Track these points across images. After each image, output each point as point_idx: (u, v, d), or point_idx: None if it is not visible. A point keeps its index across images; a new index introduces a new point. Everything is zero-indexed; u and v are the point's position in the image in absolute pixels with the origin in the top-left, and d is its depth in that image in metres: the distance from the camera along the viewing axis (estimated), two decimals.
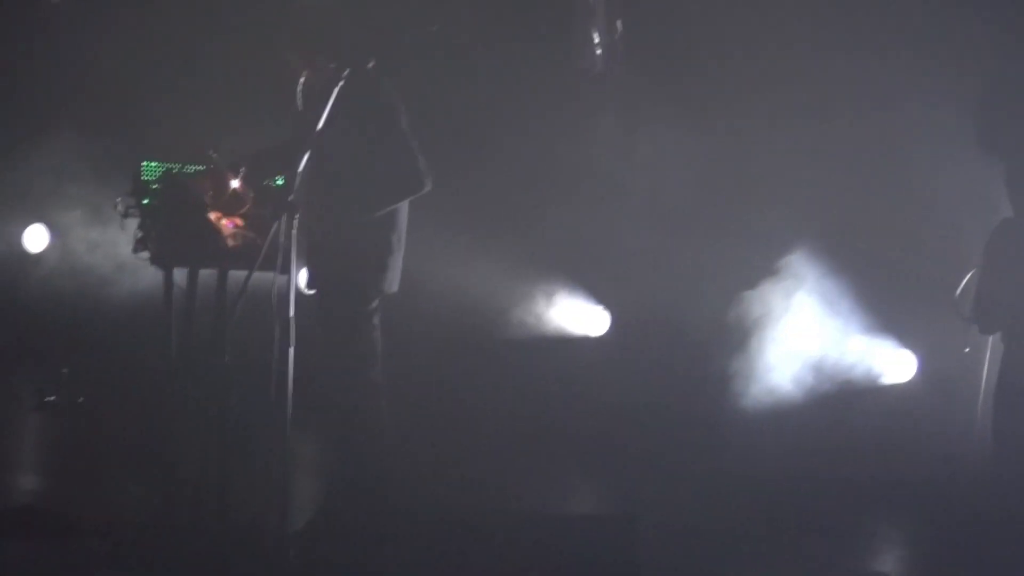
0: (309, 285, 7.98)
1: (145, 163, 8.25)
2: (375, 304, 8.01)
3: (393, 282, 8.08)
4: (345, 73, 7.55)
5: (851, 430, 10.35)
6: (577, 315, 11.89)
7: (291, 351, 7.23)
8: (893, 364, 10.80)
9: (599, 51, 11.49)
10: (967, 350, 8.03)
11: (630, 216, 11.35)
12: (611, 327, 11.86)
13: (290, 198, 7.26)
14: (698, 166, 11.05)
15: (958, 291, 8.08)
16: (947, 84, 9.59)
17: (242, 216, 8.09)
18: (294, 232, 7.23)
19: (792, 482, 9.69)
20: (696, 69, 11.22)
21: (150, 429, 8.39)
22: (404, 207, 8.07)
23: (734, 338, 10.78)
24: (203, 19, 11.85)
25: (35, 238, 12.84)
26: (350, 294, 7.97)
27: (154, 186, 8.15)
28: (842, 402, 10.62)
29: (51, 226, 12.78)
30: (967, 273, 8.03)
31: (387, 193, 7.92)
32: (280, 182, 8.21)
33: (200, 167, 8.19)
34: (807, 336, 10.64)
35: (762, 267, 10.73)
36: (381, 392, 8.02)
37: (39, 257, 12.78)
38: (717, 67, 11.12)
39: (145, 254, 8.15)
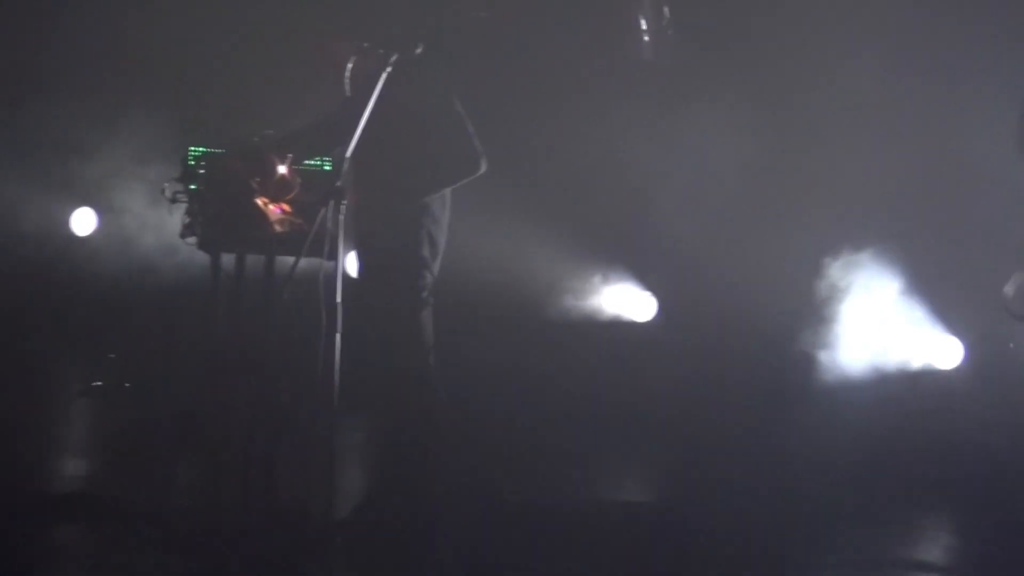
0: (360, 272, 7.94)
1: (192, 148, 8.25)
2: (428, 287, 7.96)
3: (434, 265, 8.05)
4: (393, 58, 7.53)
5: (904, 417, 10.29)
6: (624, 300, 11.85)
7: (338, 337, 7.22)
8: (939, 351, 10.74)
9: (646, 38, 11.43)
10: (1012, 345, 8.00)
11: (677, 203, 11.30)
12: (657, 313, 11.82)
13: (337, 183, 7.25)
14: (746, 154, 10.99)
15: (1006, 287, 8.03)
16: (1002, 77, 9.52)
17: (289, 202, 8.09)
18: (341, 218, 7.22)
19: (843, 469, 9.62)
20: (745, 55, 11.17)
21: (197, 414, 8.40)
22: (447, 191, 8.03)
23: (784, 324, 10.75)
24: (251, 4, 11.84)
25: (83, 222, 12.88)
26: (404, 280, 7.92)
27: (201, 171, 8.14)
28: (897, 389, 10.56)
29: (99, 209, 12.82)
30: (1015, 270, 7.98)
31: (443, 175, 7.88)
32: (327, 167, 8.19)
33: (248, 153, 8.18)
34: (860, 323, 10.60)
35: (811, 256, 10.69)
36: (434, 378, 7.98)
37: (86, 241, 12.82)
38: (767, 54, 11.06)
39: (192, 239, 8.13)
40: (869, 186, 10.59)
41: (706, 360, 10.97)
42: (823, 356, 10.64)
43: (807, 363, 10.68)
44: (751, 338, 10.79)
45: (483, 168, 7.89)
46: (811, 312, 10.66)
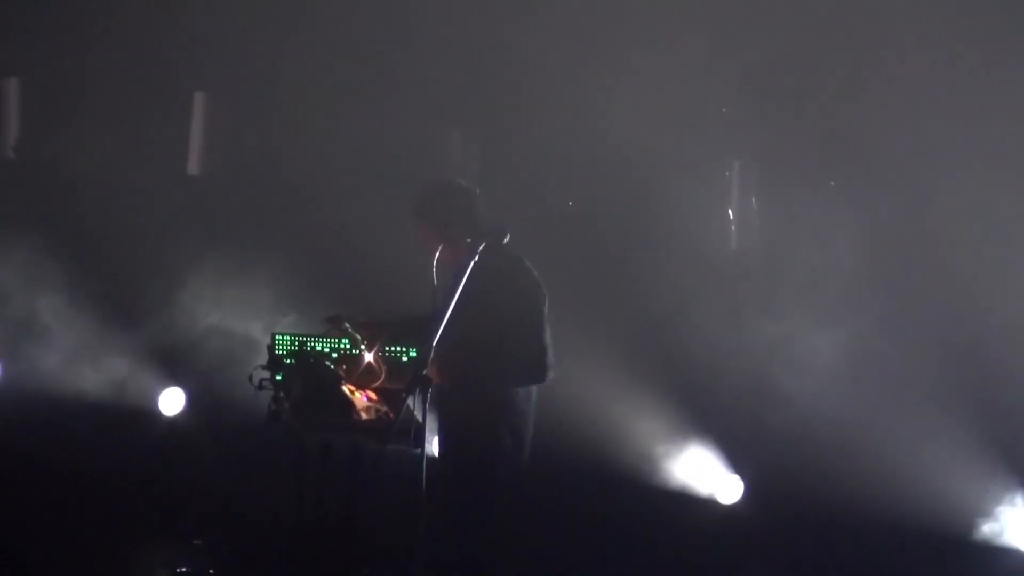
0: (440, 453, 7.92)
1: (278, 335, 8.31)
2: (505, 476, 7.92)
3: (524, 442, 8.00)
4: (481, 247, 7.55)
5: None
6: (709, 478, 11.73)
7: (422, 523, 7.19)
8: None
9: (734, 228, 11.49)
10: None
11: (774, 390, 11.27)
12: (744, 495, 11.68)
13: (424, 372, 7.26)
14: (837, 342, 10.99)
15: None
16: None
17: (375, 389, 8.11)
18: (427, 406, 7.22)
19: None
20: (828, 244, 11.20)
21: None
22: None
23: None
24: (337, 193, 12.00)
25: (171, 401, 12.96)
26: (472, 465, 7.89)
27: (287, 360, 8.20)
28: None
29: (187, 390, 12.90)
30: None
31: (510, 376, 7.88)
32: (413, 355, 8.22)
33: (332, 340, 8.23)
34: None
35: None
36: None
37: (173, 421, 12.88)
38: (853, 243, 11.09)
39: (278, 426, 8.16)
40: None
41: (789, 551, 10.81)
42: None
43: None
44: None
45: (548, 378, 7.91)
46: None
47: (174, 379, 12.92)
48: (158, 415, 13.02)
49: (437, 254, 8.06)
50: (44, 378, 12.74)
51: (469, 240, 7.68)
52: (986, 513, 10.71)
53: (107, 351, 12.74)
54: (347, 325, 8.21)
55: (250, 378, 8.24)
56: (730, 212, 11.47)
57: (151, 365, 12.85)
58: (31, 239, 12.49)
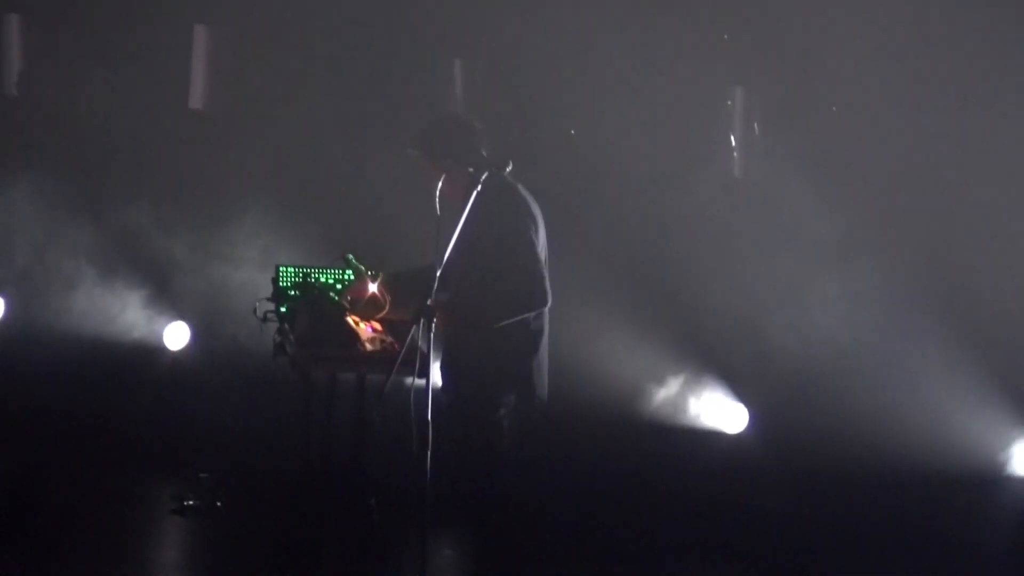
0: (442, 388, 7.91)
1: (282, 267, 8.31)
2: (502, 409, 7.93)
3: (540, 388, 8.01)
4: (483, 177, 7.54)
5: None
6: (715, 409, 11.77)
7: (429, 454, 7.21)
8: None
9: (736, 155, 11.47)
10: None
11: (775, 319, 11.29)
12: (749, 424, 11.73)
13: (428, 302, 7.26)
14: (841, 274, 10.99)
15: None
16: None
17: (380, 320, 8.12)
18: (432, 336, 7.22)
19: None
20: (834, 169, 11.17)
21: (290, 535, 8.39)
22: (545, 312, 7.99)
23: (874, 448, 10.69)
24: (340, 125, 11.99)
25: (176, 336, 13.00)
26: (477, 399, 7.92)
27: (292, 292, 8.20)
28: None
29: (192, 325, 12.94)
30: None
31: (508, 305, 7.85)
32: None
33: (338, 271, 8.24)
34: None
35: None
36: (511, 492, 7.94)
37: (179, 356, 12.92)
38: (859, 166, 11.06)
39: (284, 359, 8.17)
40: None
41: (796, 476, 10.85)
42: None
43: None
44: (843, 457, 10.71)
45: (549, 303, 7.87)
46: None
47: (178, 314, 12.95)
48: (163, 350, 13.07)
49: (440, 186, 8.04)
50: (48, 314, 12.77)
51: (472, 171, 7.68)
52: (991, 442, 10.75)
53: (110, 286, 12.77)
54: (351, 256, 8.21)
55: (255, 311, 8.25)
56: (732, 140, 11.44)
57: (155, 300, 12.87)
58: (33, 175, 12.50)
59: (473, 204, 7.43)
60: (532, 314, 7.85)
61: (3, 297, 13.14)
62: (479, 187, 7.50)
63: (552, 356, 8.02)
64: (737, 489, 10.80)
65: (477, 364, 7.84)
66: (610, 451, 11.24)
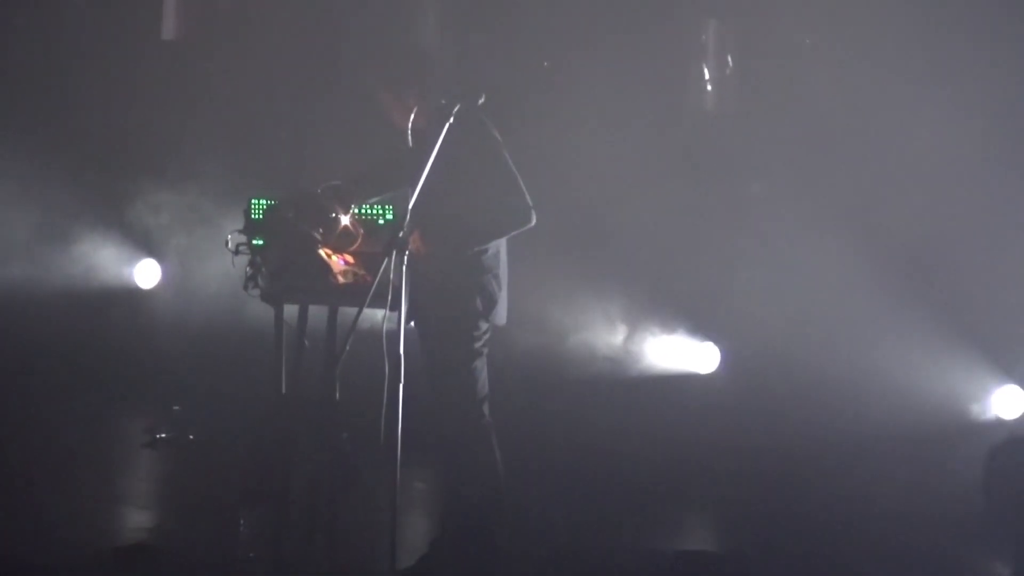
0: (409, 318, 7.86)
1: (254, 200, 8.28)
2: (482, 338, 7.95)
3: (500, 315, 8.03)
4: (455, 109, 7.53)
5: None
6: (685, 351, 11.80)
7: (401, 387, 7.21)
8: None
9: (709, 88, 11.41)
10: None
11: (741, 253, 11.29)
12: (720, 364, 11.75)
13: (400, 234, 7.26)
14: (809, 204, 10.98)
15: None
16: None
17: (352, 253, 8.10)
18: (404, 268, 7.22)
19: (906, 519, 9.57)
20: (807, 107, 11.14)
21: (260, 466, 8.40)
22: (504, 242, 8.01)
23: (844, 373, 10.72)
24: (312, 56, 11.92)
25: (146, 274, 12.96)
26: (456, 328, 7.93)
27: (263, 223, 8.17)
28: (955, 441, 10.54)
29: (162, 261, 12.89)
30: None
31: (496, 225, 7.87)
32: (389, 217, 8.20)
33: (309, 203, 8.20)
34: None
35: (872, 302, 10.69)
36: (489, 427, 7.96)
37: (150, 293, 12.89)
38: (830, 104, 11.03)
39: (255, 291, 8.16)
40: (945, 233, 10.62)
41: (769, 413, 10.89)
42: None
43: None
44: (816, 387, 10.74)
45: (533, 220, 7.87)
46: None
47: (148, 252, 12.89)
48: (134, 288, 13.00)
49: (411, 118, 8.03)
50: (16, 254, 12.69)
51: (444, 102, 7.67)
52: (965, 391, 10.82)
53: (79, 224, 12.69)
54: (320, 190, 8.17)
55: (226, 243, 8.21)
56: (705, 71, 11.40)
57: (125, 238, 12.81)
58: (2, 109, 12.40)
59: (446, 136, 7.43)
60: (516, 232, 7.88)
61: None
62: (451, 119, 7.49)
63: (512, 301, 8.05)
64: (714, 431, 10.85)
65: (452, 293, 7.86)
66: (577, 401, 11.29)
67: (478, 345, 7.92)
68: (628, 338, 11.65)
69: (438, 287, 7.85)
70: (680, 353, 11.76)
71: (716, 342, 11.76)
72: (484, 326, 7.92)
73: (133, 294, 12.89)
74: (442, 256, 7.79)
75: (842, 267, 10.90)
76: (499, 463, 7.95)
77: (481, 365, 7.94)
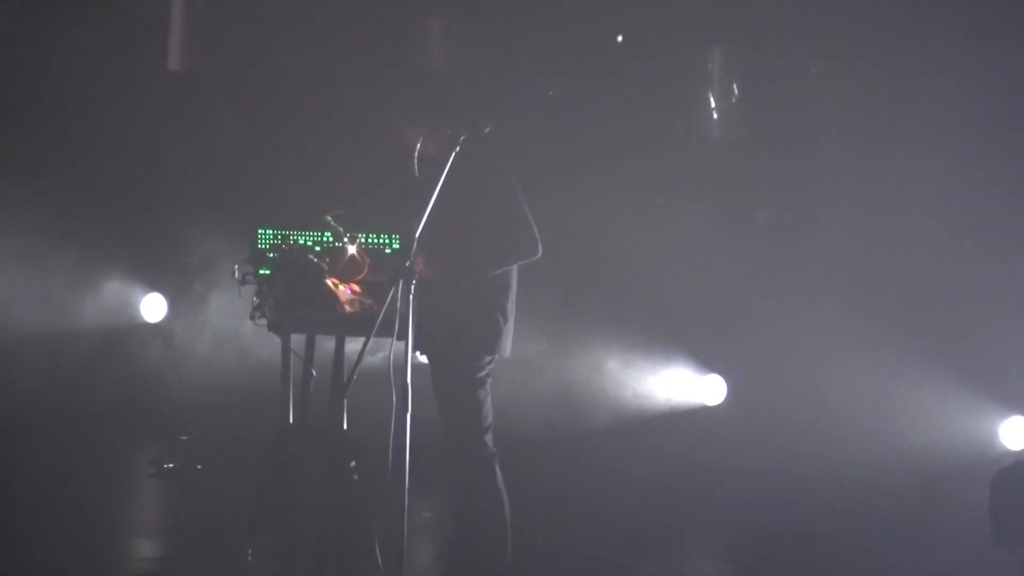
0: (416, 347, 7.86)
1: (260, 230, 8.29)
2: (486, 369, 7.95)
3: (506, 347, 8.03)
4: (462, 138, 7.55)
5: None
6: (692, 384, 11.78)
7: (408, 416, 7.20)
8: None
9: (716, 116, 11.41)
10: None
11: (749, 284, 11.29)
12: (728, 396, 11.73)
13: (407, 263, 7.26)
14: (820, 231, 10.98)
15: None
16: None
17: (359, 282, 8.11)
18: (411, 298, 7.22)
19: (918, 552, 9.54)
20: (813, 134, 11.15)
21: (268, 496, 8.39)
22: (514, 273, 8.02)
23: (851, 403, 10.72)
24: (317, 86, 11.93)
25: (153, 308, 12.95)
26: (458, 357, 7.92)
27: (270, 253, 8.19)
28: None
29: (168, 295, 12.88)
30: None
31: (501, 255, 7.87)
32: (396, 246, 8.21)
33: (315, 233, 8.23)
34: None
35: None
36: (492, 456, 7.95)
37: (157, 327, 12.88)
38: (836, 131, 11.03)
39: (262, 321, 8.16)
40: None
41: (778, 444, 10.86)
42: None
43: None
44: (827, 420, 10.74)
45: (540, 252, 7.88)
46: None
47: (153, 286, 12.87)
48: (141, 322, 12.98)
49: (418, 146, 8.04)
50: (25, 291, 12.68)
51: (449, 131, 7.68)
52: (975, 426, 10.80)
53: (83, 257, 12.67)
54: (329, 218, 8.20)
55: (233, 272, 8.23)
56: (711, 99, 11.40)
57: (130, 273, 12.79)
58: (8, 141, 12.42)
59: (452, 165, 7.43)
60: (521, 262, 7.89)
61: None
62: (457, 148, 7.50)
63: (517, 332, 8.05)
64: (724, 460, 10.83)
65: (455, 322, 7.85)
66: (585, 440, 11.27)
67: (481, 375, 7.91)
68: (632, 370, 11.63)
69: (442, 315, 7.85)
70: (687, 385, 11.75)
71: (722, 374, 11.72)
72: (487, 357, 7.91)
73: (139, 328, 12.87)
74: (446, 284, 7.79)
75: (848, 296, 10.90)
76: (502, 491, 7.93)
77: (484, 395, 7.93)
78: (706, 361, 11.68)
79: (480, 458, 7.91)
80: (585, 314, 11.54)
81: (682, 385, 11.72)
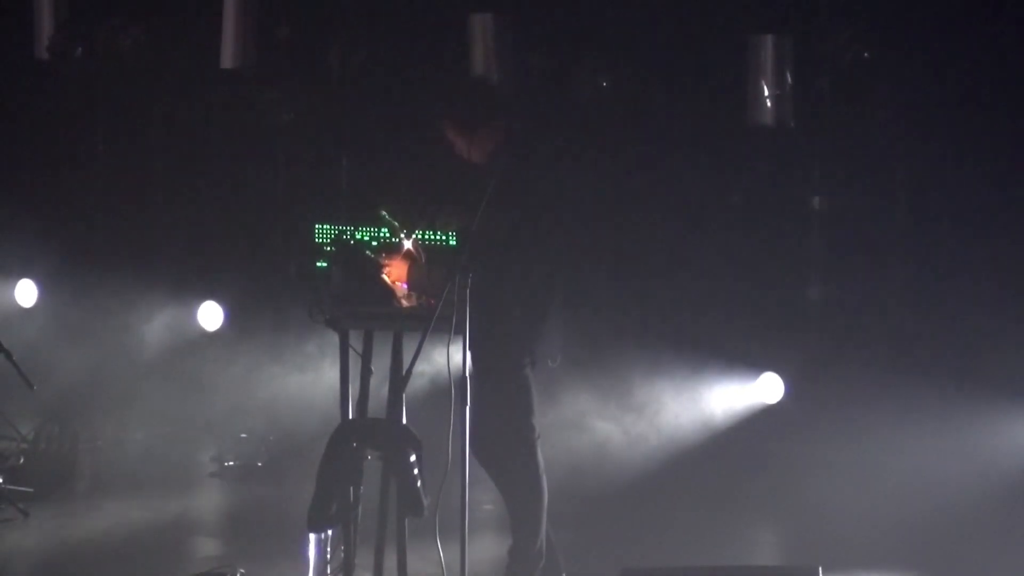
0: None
1: (317, 225, 8.33)
2: (525, 368, 7.97)
3: (548, 352, 8.05)
4: (515, 141, 7.62)
5: None
6: (750, 383, 11.68)
7: (467, 410, 7.22)
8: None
9: (770, 104, 11.36)
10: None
11: (803, 276, 11.24)
12: (785, 394, 11.64)
13: (463, 258, 7.27)
14: (873, 220, 10.93)
15: None
16: None
17: (415, 278, 8.12)
18: (467, 292, 7.23)
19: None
20: (871, 121, 11.09)
21: (327, 492, 8.41)
22: (557, 280, 8.05)
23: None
24: (372, 83, 11.94)
25: (210, 316, 12.87)
26: (498, 355, 7.93)
27: (328, 248, 8.22)
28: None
29: (224, 303, 12.84)
30: None
31: (548, 255, 7.93)
32: (452, 242, 8.23)
33: (372, 228, 8.25)
34: None
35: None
36: (534, 443, 7.97)
37: (215, 335, 12.81)
38: (890, 116, 10.97)
39: (320, 318, 8.19)
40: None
41: (834, 439, 10.80)
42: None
43: None
44: None
45: (578, 255, 7.93)
46: None
47: (210, 294, 12.85)
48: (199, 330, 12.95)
49: (467, 150, 8.08)
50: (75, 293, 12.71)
51: (504, 133, 7.74)
52: None
53: (135, 261, 12.68)
54: (385, 213, 8.22)
55: (291, 269, 8.27)
56: (764, 88, 11.34)
57: (185, 280, 12.77)
58: (63, 139, 12.50)
59: (504, 168, 7.48)
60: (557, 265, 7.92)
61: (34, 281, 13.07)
62: (510, 151, 7.56)
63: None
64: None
65: (506, 317, 7.88)
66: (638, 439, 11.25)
67: (521, 370, 7.94)
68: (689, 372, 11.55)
69: (484, 312, 7.86)
70: (744, 386, 11.65)
71: (778, 371, 11.60)
72: (525, 356, 7.94)
73: (199, 335, 12.82)
74: (487, 284, 7.78)
75: (901, 282, 10.83)
76: (543, 485, 7.97)
77: (521, 389, 7.95)
78: (758, 361, 11.56)
79: (525, 439, 7.94)
80: (637, 307, 11.43)
81: (741, 390, 11.61)
